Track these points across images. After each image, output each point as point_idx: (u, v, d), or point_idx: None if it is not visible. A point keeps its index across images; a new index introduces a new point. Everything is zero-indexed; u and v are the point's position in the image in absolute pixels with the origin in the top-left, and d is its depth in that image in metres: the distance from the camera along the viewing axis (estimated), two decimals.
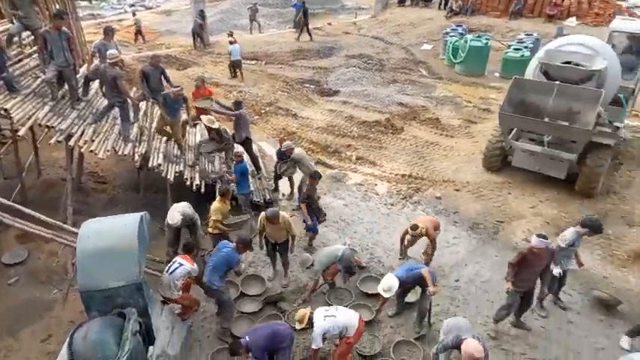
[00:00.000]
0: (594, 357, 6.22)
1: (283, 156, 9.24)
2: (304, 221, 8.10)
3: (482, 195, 9.96)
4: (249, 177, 8.95)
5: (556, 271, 6.42)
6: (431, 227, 7.40)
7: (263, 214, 7.14)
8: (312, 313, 5.64)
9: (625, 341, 6.33)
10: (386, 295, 6.18)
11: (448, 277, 7.64)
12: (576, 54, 9.66)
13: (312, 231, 8.11)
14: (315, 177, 8.00)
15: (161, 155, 8.73)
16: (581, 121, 9.25)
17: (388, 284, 6.16)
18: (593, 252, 8.24)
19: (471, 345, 4.54)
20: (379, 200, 9.76)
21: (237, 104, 10.07)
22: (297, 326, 5.69)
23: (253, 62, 18.67)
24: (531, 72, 10.19)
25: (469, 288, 7.43)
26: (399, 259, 7.93)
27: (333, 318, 5.52)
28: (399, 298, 6.71)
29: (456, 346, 4.79)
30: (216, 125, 8.90)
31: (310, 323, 5.56)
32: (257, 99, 14.79)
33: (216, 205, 7.41)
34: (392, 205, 9.58)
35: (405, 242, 7.84)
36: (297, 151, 9.26)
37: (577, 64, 9.48)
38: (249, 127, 10.18)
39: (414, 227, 7.24)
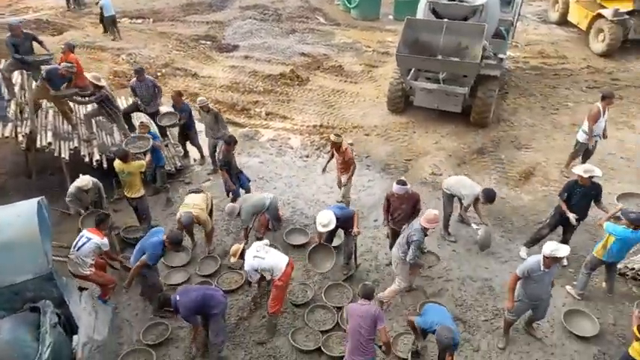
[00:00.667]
0: (500, 269, 7.00)
1: (174, 108, 8.86)
2: (226, 187, 7.89)
3: (390, 137, 10.40)
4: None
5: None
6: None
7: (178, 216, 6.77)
8: (245, 249, 5.81)
9: (523, 251, 7.18)
10: (325, 230, 6.35)
11: (367, 218, 8.01)
12: None
13: (234, 194, 7.95)
14: (229, 142, 7.61)
15: (50, 133, 7.88)
16: (469, 56, 9.85)
17: (327, 219, 6.31)
18: (491, 177, 9.07)
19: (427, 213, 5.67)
20: (294, 154, 9.79)
21: (138, 72, 9.03)
22: (232, 259, 5.92)
23: (140, 21, 17.18)
24: (421, 11, 10.53)
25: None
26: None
27: (261, 260, 5.70)
28: (327, 241, 6.89)
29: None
30: (102, 82, 8.16)
31: (242, 257, 5.78)
32: (150, 61, 13.75)
33: (118, 166, 7.00)
34: (307, 157, 9.68)
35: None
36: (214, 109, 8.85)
37: (461, 1, 9.94)
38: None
39: (337, 135, 7.43)
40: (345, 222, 6.55)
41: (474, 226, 7.21)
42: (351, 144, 10.06)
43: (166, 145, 9.30)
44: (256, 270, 5.75)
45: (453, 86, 10.07)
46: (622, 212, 5.99)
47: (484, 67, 9.89)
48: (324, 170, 8.26)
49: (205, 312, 5.41)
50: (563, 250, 5.02)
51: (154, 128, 9.09)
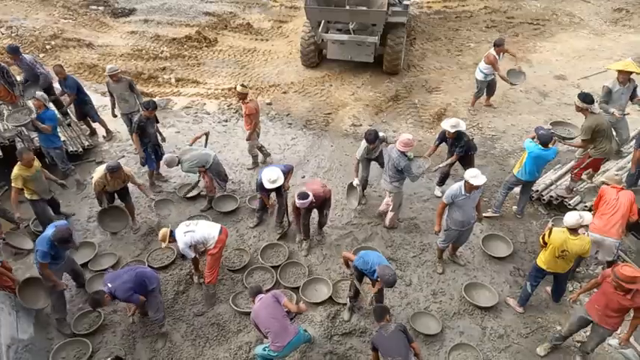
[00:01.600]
0: (422, 207, 7.42)
1: (62, 85, 8.08)
2: (141, 159, 7.44)
3: (307, 92, 10.35)
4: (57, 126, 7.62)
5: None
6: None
7: (102, 168, 6.34)
8: (171, 230, 5.63)
9: (437, 190, 7.64)
10: (273, 186, 6.32)
11: (295, 175, 8.02)
12: None
13: (150, 167, 7.55)
14: (148, 107, 7.07)
15: None
16: (377, 4, 9.92)
17: (275, 175, 6.30)
18: (407, 121, 9.43)
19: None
20: (212, 119, 9.44)
21: (13, 50, 7.99)
22: (162, 245, 5.75)
23: None
24: None
25: (320, 177, 7.94)
26: None
27: (192, 233, 5.60)
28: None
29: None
30: None
31: (172, 239, 5.60)
32: (35, 33, 12.30)
33: (15, 171, 6.16)
34: (226, 121, 9.39)
35: None
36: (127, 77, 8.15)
37: None
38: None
39: (243, 86, 7.39)
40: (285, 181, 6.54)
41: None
42: (269, 103, 9.90)
43: (69, 125, 8.54)
44: (190, 246, 5.61)
45: (363, 36, 10.14)
46: (535, 129, 6.49)
47: (391, 14, 10.03)
48: None
49: (142, 290, 5.22)
50: (480, 179, 5.41)
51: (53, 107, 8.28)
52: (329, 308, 5.83)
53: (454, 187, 5.69)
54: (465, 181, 5.50)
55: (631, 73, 6.84)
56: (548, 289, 5.92)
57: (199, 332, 5.65)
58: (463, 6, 13.87)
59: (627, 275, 4.36)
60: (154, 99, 9.79)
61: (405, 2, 10.41)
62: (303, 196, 6.04)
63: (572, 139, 6.95)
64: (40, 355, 5.28)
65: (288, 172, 6.64)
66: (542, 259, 5.37)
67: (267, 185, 6.31)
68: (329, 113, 9.67)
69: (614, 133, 6.97)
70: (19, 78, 8.21)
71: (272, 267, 6.34)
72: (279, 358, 4.83)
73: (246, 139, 7.76)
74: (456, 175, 7.54)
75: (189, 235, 5.58)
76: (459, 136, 6.77)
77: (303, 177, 7.99)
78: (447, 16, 13.32)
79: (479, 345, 5.46)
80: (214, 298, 5.97)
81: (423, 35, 12.46)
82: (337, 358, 5.37)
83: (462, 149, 6.79)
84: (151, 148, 7.41)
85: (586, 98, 6.50)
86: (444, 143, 7.02)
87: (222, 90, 10.35)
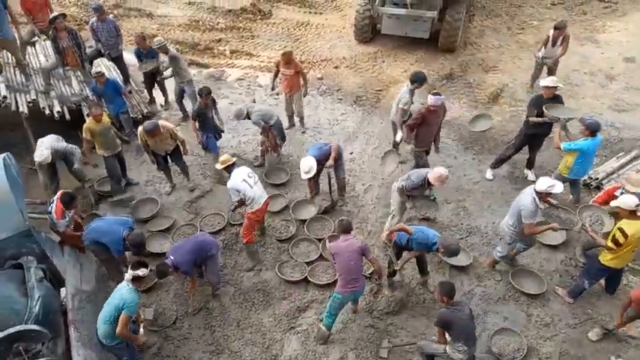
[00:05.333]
0: (472, 188, 7.27)
1: (142, 55, 8.25)
2: (200, 141, 7.59)
3: (359, 68, 10.24)
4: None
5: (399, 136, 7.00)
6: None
7: (141, 128, 6.65)
8: (235, 165, 5.95)
9: (489, 173, 7.42)
10: (308, 177, 6.38)
11: (344, 150, 8.04)
12: None
13: (213, 151, 7.61)
14: (202, 94, 7.08)
15: (2, 86, 7.41)
16: None
17: (308, 165, 6.31)
18: (460, 100, 9.17)
19: (436, 170, 5.60)
20: (264, 92, 9.56)
21: (98, 10, 8.26)
22: (218, 166, 6.09)
23: None
24: None
25: (362, 157, 7.95)
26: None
27: (248, 187, 5.78)
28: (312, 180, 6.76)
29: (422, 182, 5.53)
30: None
31: (228, 172, 5.90)
32: (99, 2, 12.77)
33: (85, 125, 6.65)
34: (278, 94, 9.47)
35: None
36: (172, 50, 8.37)
37: None
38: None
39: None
40: (327, 158, 6.48)
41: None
42: (320, 78, 9.88)
43: (130, 92, 8.92)
44: (238, 192, 5.79)
45: (421, 10, 9.84)
46: (580, 119, 6.18)
47: None
48: (272, 88, 8.35)
49: (202, 256, 5.48)
50: (558, 187, 5.04)
51: (114, 74, 8.67)
52: (370, 283, 5.90)
53: (529, 205, 5.10)
54: (540, 193, 5.08)
55: None
56: (602, 281, 5.70)
57: (246, 296, 5.90)
58: None
59: None
60: (210, 70, 9.99)
61: None
62: (437, 93, 6.34)
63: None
64: (100, 306, 5.70)
65: (329, 153, 6.45)
66: (612, 258, 5.01)
67: (303, 176, 6.40)
68: (380, 90, 9.55)
69: None
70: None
71: (317, 239, 6.47)
72: (338, 301, 5.05)
73: (297, 102, 8.07)
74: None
75: (244, 184, 5.77)
76: (555, 97, 6.50)
77: (351, 153, 7.99)
78: None
79: (523, 331, 5.38)
80: (256, 256, 6.22)
81: (483, 11, 11.93)
82: (377, 333, 5.46)
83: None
84: (211, 132, 7.48)
85: None
86: None
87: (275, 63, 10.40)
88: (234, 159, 6.02)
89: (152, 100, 9.14)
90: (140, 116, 8.49)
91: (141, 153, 7.98)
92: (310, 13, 12.38)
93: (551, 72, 8.66)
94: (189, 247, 5.40)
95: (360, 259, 4.96)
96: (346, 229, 5.04)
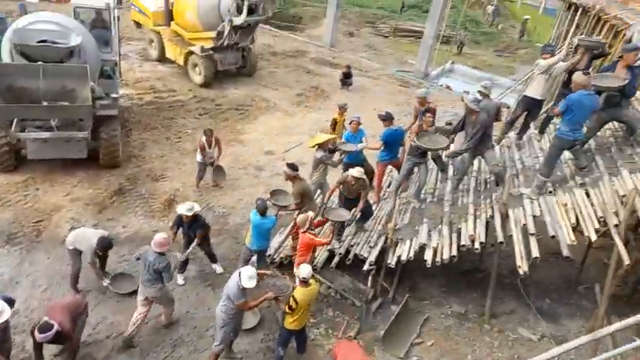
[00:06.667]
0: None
1: None
2: None
3: (6, 200, 8.76)
4: None
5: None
6: None
7: None
8: None
9: (179, 278, 7.45)
10: None
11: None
12: (49, 32, 9.36)
13: None
14: None
15: None
16: (79, 98, 9.33)
17: None
18: (137, 214, 9.03)
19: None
20: None
21: None
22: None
23: None
24: (7, 55, 9.26)
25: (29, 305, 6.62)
26: None
27: None
28: None
29: None
30: None
31: None
32: None
33: None
34: None
35: None
36: None
37: (54, 42, 9.31)
38: None
39: None
40: None
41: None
42: None
43: None
44: None
45: (70, 132, 9.35)
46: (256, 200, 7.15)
47: (100, 108, 9.65)
48: None
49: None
50: (252, 281, 5.57)
51: None
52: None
53: (233, 288, 5.61)
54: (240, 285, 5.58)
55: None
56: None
57: None
58: (174, 96, 14.52)
59: None
60: None
61: (113, 95, 10.20)
62: (45, 328, 5.09)
63: (287, 206, 7.91)
64: None
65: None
66: (292, 322, 5.78)
67: None
68: (39, 221, 8.37)
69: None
70: None
71: None
72: None
73: None
74: None
75: None
76: (196, 218, 7.01)
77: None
78: (160, 106, 13.67)
79: None
80: None
81: (139, 125, 12.39)
82: None
83: (202, 228, 7.10)
84: None
85: (293, 166, 7.67)
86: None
87: None
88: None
89: None
90: None
91: None
92: None
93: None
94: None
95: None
96: None
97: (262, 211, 6.84)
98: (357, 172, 7.46)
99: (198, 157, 9.70)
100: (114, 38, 10.97)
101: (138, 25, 17.09)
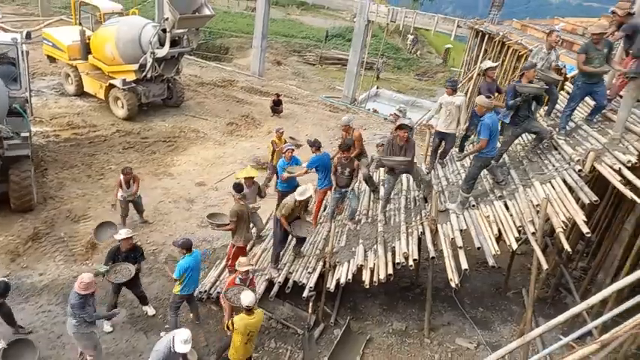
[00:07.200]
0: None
1: None
2: None
3: None
4: None
5: None
6: None
7: None
8: None
9: (106, 325, 6.97)
10: None
11: None
12: None
13: None
14: None
15: None
16: None
17: None
18: (55, 260, 8.34)
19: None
20: None
21: None
22: None
23: None
24: None
25: None
26: None
27: None
28: None
29: None
30: None
31: None
32: None
33: None
34: None
35: None
36: None
37: None
38: None
39: None
40: None
41: None
42: None
43: None
44: None
45: None
46: (173, 242, 7.02)
47: (8, 148, 8.93)
48: None
49: None
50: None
51: None
52: None
53: (162, 349, 5.35)
54: None
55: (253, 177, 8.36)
56: None
57: None
58: (95, 131, 13.78)
59: None
60: None
61: (23, 134, 9.47)
62: None
63: (223, 225, 7.68)
64: None
65: None
66: (236, 352, 5.66)
67: None
68: None
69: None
70: None
71: None
72: None
73: None
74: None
75: None
76: (135, 247, 6.93)
77: None
78: (79, 143, 12.89)
79: None
80: None
81: (56, 164, 11.57)
82: None
83: (142, 257, 7.07)
84: None
85: (237, 187, 7.52)
86: None
87: None
88: None
89: None
90: None
91: None
92: None
93: (138, 208, 9.39)
94: None
95: None
96: None
97: (186, 247, 6.59)
98: (299, 194, 7.49)
99: (119, 195, 9.21)
100: (23, 74, 10.26)
101: (52, 59, 16.16)
